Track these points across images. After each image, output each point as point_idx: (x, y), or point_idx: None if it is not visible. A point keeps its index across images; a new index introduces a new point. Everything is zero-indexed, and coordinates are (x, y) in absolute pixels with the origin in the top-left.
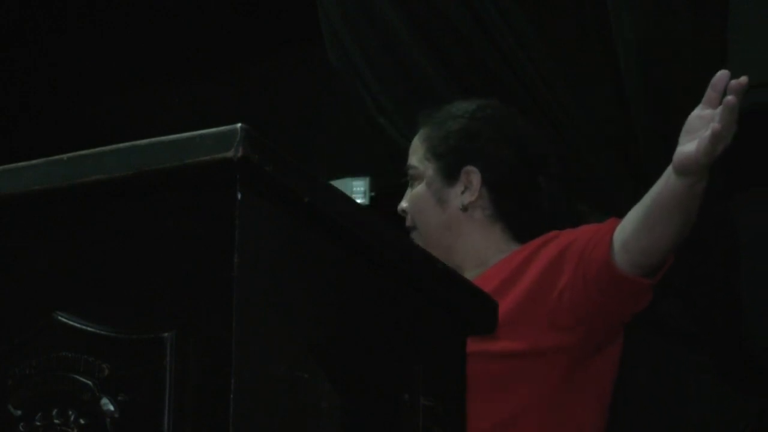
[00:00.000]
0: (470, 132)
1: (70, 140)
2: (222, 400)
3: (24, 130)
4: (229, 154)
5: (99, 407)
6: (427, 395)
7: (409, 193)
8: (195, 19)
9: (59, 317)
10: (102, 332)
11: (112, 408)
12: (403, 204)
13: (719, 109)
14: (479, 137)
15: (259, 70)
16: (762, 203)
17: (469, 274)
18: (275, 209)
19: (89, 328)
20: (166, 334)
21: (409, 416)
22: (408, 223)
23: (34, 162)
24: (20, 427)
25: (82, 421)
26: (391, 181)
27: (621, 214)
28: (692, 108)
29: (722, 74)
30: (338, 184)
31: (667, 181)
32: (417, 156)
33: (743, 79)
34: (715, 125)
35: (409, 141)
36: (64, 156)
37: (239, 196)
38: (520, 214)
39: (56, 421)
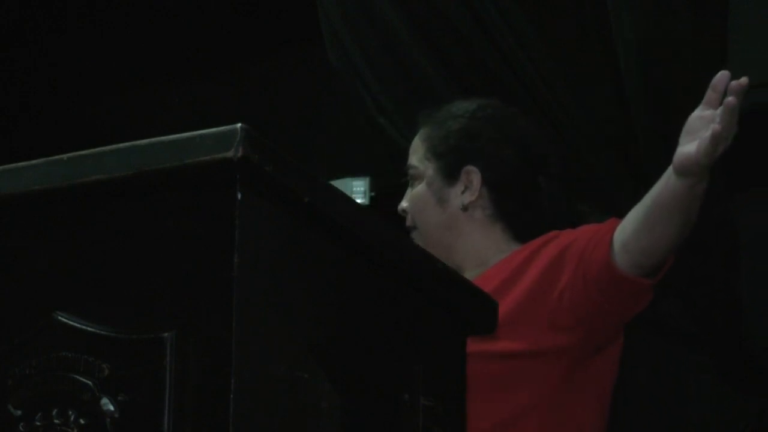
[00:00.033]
0: (471, 132)
1: (70, 140)
2: (222, 400)
3: (24, 130)
4: (229, 154)
5: (99, 407)
6: (427, 395)
7: (410, 193)
8: (195, 19)
9: (59, 317)
10: (102, 332)
11: (112, 408)
12: (404, 204)
13: (719, 110)
14: (480, 137)
15: (259, 70)
16: (762, 203)
17: (470, 274)
18: (275, 209)
19: (89, 328)
20: (166, 334)
21: (409, 416)
22: (408, 222)
23: (34, 162)
24: (20, 427)
25: (82, 421)
26: (391, 181)
27: (621, 214)
28: (692, 108)
29: (722, 75)
30: (338, 184)
31: (667, 181)
32: (417, 156)
33: (743, 80)
34: (716, 126)
35: (409, 141)
36: (64, 156)
37: (239, 196)
38: (521, 214)
39: (56, 421)
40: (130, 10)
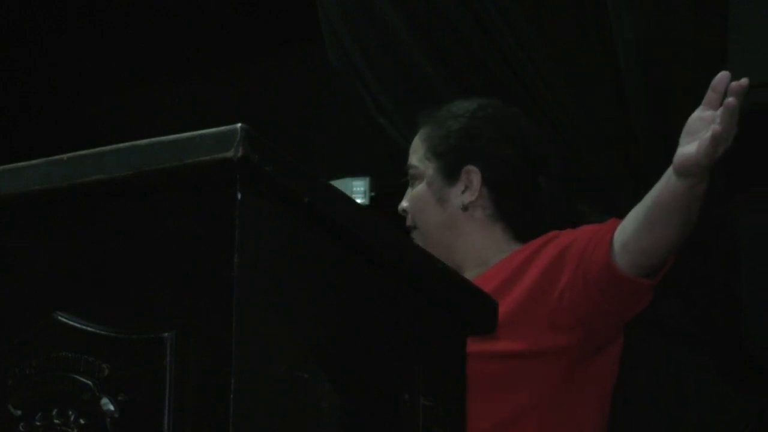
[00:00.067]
0: (471, 131)
1: (70, 140)
2: (222, 400)
3: (24, 130)
4: (229, 154)
5: (99, 407)
6: (427, 395)
7: (410, 193)
8: (195, 19)
9: (59, 317)
10: (102, 332)
11: (112, 408)
12: (404, 204)
13: (720, 111)
14: (480, 137)
15: (259, 70)
16: (762, 203)
17: (470, 274)
18: (275, 209)
19: (89, 328)
20: (166, 334)
21: (409, 416)
22: (408, 222)
23: (34, 162)
24: (20, 427)
25: (82, 421)
26: (391, 181)
27: (621, 214)
28: (692, 108)
29: (723, 76)
30: (338, 184)
31: (667, 182)
32: (417, 155)
33: (744, 80)
34: (716, 127)
35: (409, 141)
36: (64, 156)
37: (239, 196)
38: (521, 213)
39: (56, 421)
40: (130, 10)
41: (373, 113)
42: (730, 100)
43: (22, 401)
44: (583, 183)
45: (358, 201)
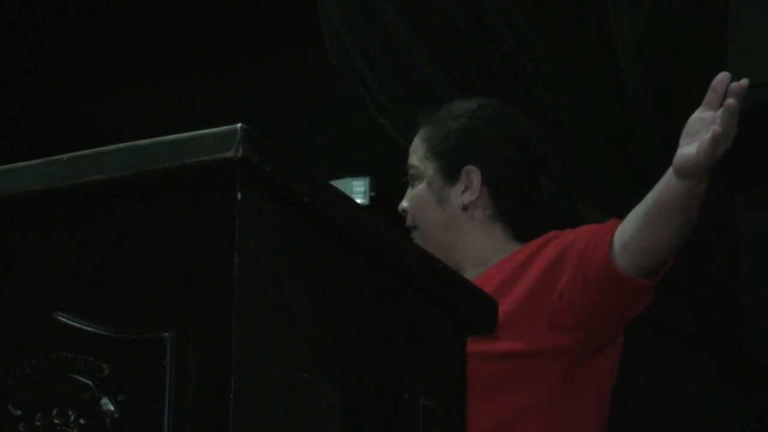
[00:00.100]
0: (471, 131)
1: (70, 140)
2: (222, 400)
3: (24, 130)
4: (229, 154)
5: (99, 407)
6: (427, 395)
7: (410, 193)
8: (195, 19)
9: (59, 317)
10: (102, 332)
11: (112, 408)
12: (404, 203)
13: (720, 112)
14: (480, 137)
15: (259, 70)
16: (762, 203)
17: (470, 274)
18: (275, 209)
19: (89, 328)
20: (166, 334)
21: (409, 416)
22: (408, 222)
23: (34, 162)
24: (20, 427)
25: (82, 421)
26: (391, 181)
27: (621, 214)
28: (692, 108)
29: (723, 76)
30: (338, 184)
31: (667, 182)
32: (417, 155)
33: (744, 81)
34: (716, 128)
35: (409, 141)
36: (64, 156)
37: (239, 196)
38: (521, 213)
39: (56, 421)
40: (130, 10)
41: (373, 113)
42: (730, 101)
43: (22, 401)
44: (583, 183)
45: (358, 201)
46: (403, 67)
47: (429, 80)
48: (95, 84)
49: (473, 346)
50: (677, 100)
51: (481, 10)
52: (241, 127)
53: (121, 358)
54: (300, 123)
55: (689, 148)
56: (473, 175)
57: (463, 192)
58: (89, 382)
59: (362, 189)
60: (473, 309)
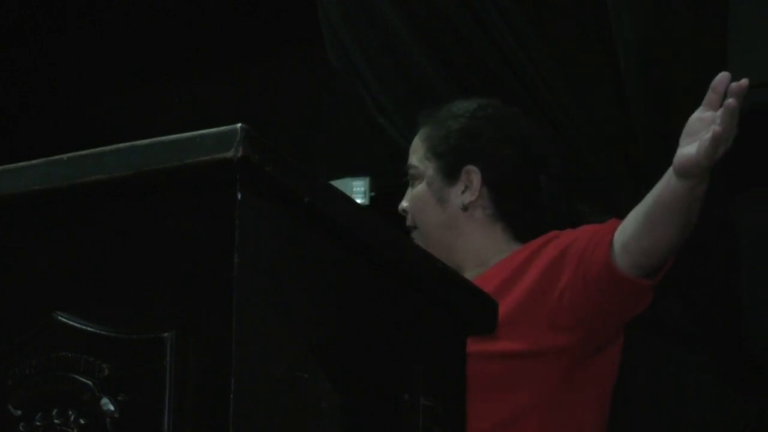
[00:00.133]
0: (471, 131)
1: (70, 140)
2: (222, 400)
3: (24, 130)
4: (229, 154)
5: (99, 407)
6: (427, 395)
7: (410, 193)
8: (195, 19)
9: (59, 317)
10: (102, 332)
11: (112, 408)
12: (404, 203)
13: (720, 112)
14: (480, 137)
15: (259, 70)
16: (762, 203)
17: (470, 274)
18: (275, 209)
19: (89, 328)
20: (166, 334)
21: (409, 416)
22: (408, 222)
23: (34, 162)
24: (20, 427)
25: (82, 421)
26: (391, 181)
27: (621, 214)
28: (692, 108)
29: (723, 76)
30: (338, 184)
31: (667, 182)
32: (417, 155)
33: (744, 81)
34: (716, 128)
35: (409, 141)
36: (64, 156)
37: (239, 196)
38: (521, 213)
39: (56, 421)
40: (130, 10)
41: (373, 113)
42: (730, 101)
43: (22, 401)
44: (583, 183)
45: (358, 201)
46: (403, 67)
47: (429, 80)
48: (95, 84)
49: (473, 346)
50: (677, 100)
51: (481, 10)
52: (241, 127)
53: (121, 358)
54: (300, 123)
55: (689, 148)
56: (473, 175)
57: (463, 192)
58: (89, 382)
59: (362, 189)
60: (473, 309)
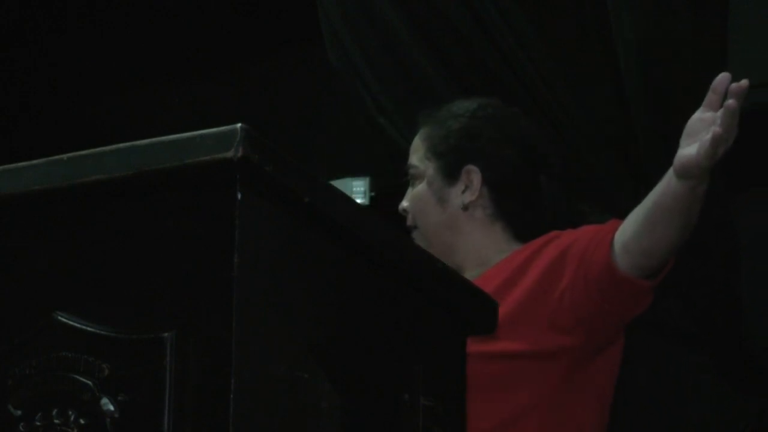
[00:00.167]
0: (471, 131)
1: (70, 140)
2: (222, 400)
3: (24, 130)
4: (229, 154)
5: (99, 407)
6: (427, 395)
7: (410, 193)
8: (195, 19)
9: (59, 317)
10: (102, 332)
11: (112, 408)
12: (404, 203)
13: (720, 113)
14: (480, 136)
15: (259, 70)
16: (762, 203)
17: (470, 274)
18: (275, 209)
19: (89, 328)
20: (166, 334)
21: (409, 416)
22: (409, 222)
23: (34, 162)
24: (20, 427)
25: (82, 421)
26: (391, 181)
27: (621, 214)
28: (692, 108)
29: (723, 77)
30: (338, 184)
31: (668, 183)
32: (418, 155)
33: (744, 82)
34: (716, 129)
35: (409, 141)
36: (64, 156)
37: (239, 196)
38: (521, 213)
39: (56, 421)
40: (130, 10)
41: (373, 113)
42: (731, 102)
43: (22, 401)
44: (583, 183)
45: (358, 201)
46: (403, 67)
47: (429, 80)
48: (95, 84)
49: (473, 346)
50: (677, 100)
51: (481, 10)
52: (241, 127)
53: (121, 358)
54: (300, 123)
55: (689, 148)
56: (473, 174)
57: (464, 192)
58: (89, 382)
59: (362, 189)
60: (473, 309)
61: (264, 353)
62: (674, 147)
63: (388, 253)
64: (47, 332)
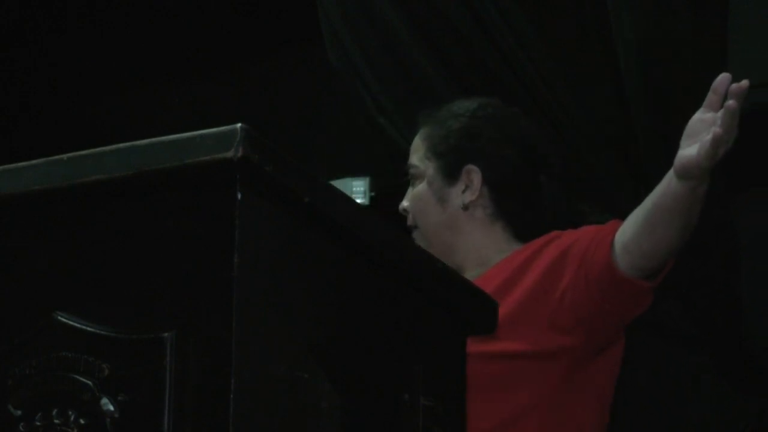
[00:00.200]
0: (471, 131)
1: (70, 140)
2: (222, 400)
3: (24, 130)
4: (229, 154)
5: (99, 407)
6: (427, 395)
7: (410, 193)
8: (195, 19)
9: (59, 317)
10: (102, 332)
11: (112, 408)
12: (404, 203)
13: (720, 113)
14: (480, 136)
15: (259, 70)
16: (762, 203)
17: (470, 274)
18: (275, 209)
19: (89, 328)
20: (166, 334)
21: (409, 416)
22: (409, 222)
23: (34, 162)
24: (20, 427)
25: (82, 421)
26: (391, 181)
27: (621, 214)
28: (692, 108)
29: (723, 77)
30: (338, 184)
31: (668, 184)
32: (418, 155)
33: (744, 82)
34: (717, 129)
35: (409, 141)
36: (64, 156)
37: (239, 196)
38: (521, 213)
39: (56, 421)
40: (130, 10)
41: (373, 113)
42: (731, 102)
43: (22, 401)
44: (583, 183)
45: (358, 201)
46: (403, 67)
47: (429, 80)
48: (95, 84)
49: (473, 346)
50: (677, 100)
51: (481, 10)
52: (241, 127)
53: (121, 358)
54: (300, 123)
55: (690, 149)
56: (473, 174)
57: (464, 191)
58: (89, 382)
59: (362, 189)
60: (473, 309)
61: (264, 353)
62: (674, 147)
63: (388, 253)
64: (47, 332)
